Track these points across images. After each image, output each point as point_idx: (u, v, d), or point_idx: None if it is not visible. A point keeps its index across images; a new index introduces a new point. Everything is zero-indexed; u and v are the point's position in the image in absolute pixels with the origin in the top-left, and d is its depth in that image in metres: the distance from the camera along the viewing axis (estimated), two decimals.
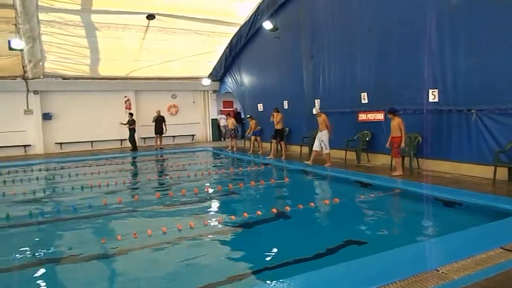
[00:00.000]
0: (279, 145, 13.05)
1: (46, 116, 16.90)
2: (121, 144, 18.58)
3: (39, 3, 11.61)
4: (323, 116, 10.16)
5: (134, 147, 16.71)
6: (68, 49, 14.73)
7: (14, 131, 16.20)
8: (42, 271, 4.24)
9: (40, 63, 15.20)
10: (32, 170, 12.08)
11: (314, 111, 10.38)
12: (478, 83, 7.80)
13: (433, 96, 8.63)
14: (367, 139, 10.44)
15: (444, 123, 8.49)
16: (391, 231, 5.33)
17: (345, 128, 11.29)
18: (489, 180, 7.30)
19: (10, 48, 12.67)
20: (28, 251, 4.73)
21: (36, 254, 4.65)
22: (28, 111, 16.51)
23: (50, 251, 4.70)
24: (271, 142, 12.88)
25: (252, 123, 14.31)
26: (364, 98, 10.69)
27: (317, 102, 10.13)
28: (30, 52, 13.94)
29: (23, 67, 15.12)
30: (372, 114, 10.42)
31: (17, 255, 4.52)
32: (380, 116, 10.17)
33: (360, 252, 4.27)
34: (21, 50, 13.40)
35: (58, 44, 14.28)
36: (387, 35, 9.84)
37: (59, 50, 14.70)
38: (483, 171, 7.70)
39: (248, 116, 15.37)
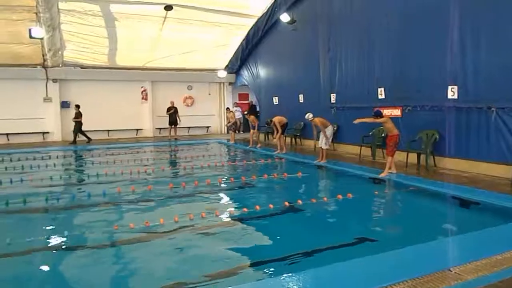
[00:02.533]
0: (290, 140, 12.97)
1: (64, 104, 17.17)
2: (136, 134, 18.79)
3: None
4: (316, 119, 10.02)
5: (74, 140, 15.91)
6: (87, 39, 14.88)
7: (33, 118, 16.52)
8: (57, 255, 4.33)
9: (60, 52, 15.42)
10: (49, 157, 12.31)
11: (307, 118, 10.18)
12: (499, 80, 7.58)
13: (452, 92, 8.43)
14: (382, 135, 10.28)
15: (462, 121, 8.29)
16: (404, 229, 5.24)
17: (360, 124, 11.12)
18: (508, 180, 7.11)
19: (31, 37, 12.91)
20: (43, 235, 4.82)
21: (51, 238, 4.74)
22: (47, 99, 16.81)
23: (64, 236, 4.78)
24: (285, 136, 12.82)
25: (251, 118, 14.52)
26: (381, 93, 10.53)
27: (309, 114, 10.03)
28: (50, 40, 14.15)
29: (43, 55, 15.37)
30: (388, 110, 10.24)
31: (32, 239, 4.60)
32: (397, 112, 10.00)
33: (372, 249, 4.22)
34: (41, 38, 13.63)
35: (77, 34, 14.45)
36: (406, 30, 9.63)
37: (78, 40, 14.87)
38: (502, 171, 7.50)
39: (245, 113, 15.57)
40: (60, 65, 16.53)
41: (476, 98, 7.99)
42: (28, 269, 4.04)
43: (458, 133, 8.36)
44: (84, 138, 16.11)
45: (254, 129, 14.31)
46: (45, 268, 4.07)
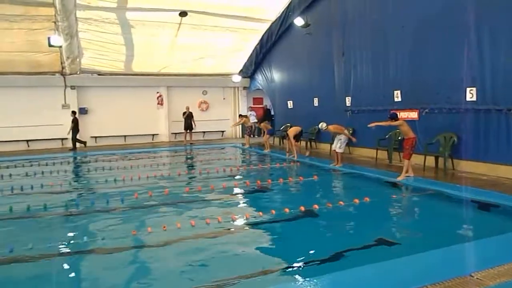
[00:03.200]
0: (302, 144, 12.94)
1: (82, 111, 17.49)
2: (152, 139, 18.99)
3: (77, 1, 12.00)
4: (330, 127, 9.92)
5: (74, 146, 16.11)
6: (103, 46, 15.15)
7: (52, 124, 16.86)
8: (76, 259, 4.41)
9: (77, 59, 15.73)
10: (68, 163, 12.54)
11: (321, 127, 10.10)
12: None
13: (470, 94, 8.29)
14: (399, 138, 10.16)
15: (481, 123, 8.14)
16: (423, 233, 5.16)
17: (377, 127, 11.00)
18: None
19: (50, 45, 13.22)
20: (64, 240, 4.91)
21: (71, 243, 4.83)
22: (65, 106, 17.14)
23: (83, 241, 4.86)
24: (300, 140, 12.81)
25: (262, 125, 14.94)
26: (397, 96, 10.42)
27: (323, 124, 9.99)
28: (68, 48, 14.45)
29: (61, 63, 15.70)
30: (405, 113, 10.13)
31: (53, 244, 4.69)
32: (413, 115, 9.89)
33: (391, 253, 4.18)
34: (60, 46, 13.93)
35: (95, 41, 14.72)
36: (422, 31, 9.52)
37: (96, 47, 15.15)
38: None
39: (256, 122, 16.10)
40: (78, 72, 16.85)
41: (495, 100, 7.84)
42: (49, 272, 4.12)
43: (477, 135, 8.21)
44: (80, 143, 16.31)
45: (269, 134, 14.39)
46: (65, 271, 4.13)
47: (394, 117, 8.03)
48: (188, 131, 17.94)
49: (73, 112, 16.24)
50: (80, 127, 17.24)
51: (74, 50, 14.81)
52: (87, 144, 16.70)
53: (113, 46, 15.39)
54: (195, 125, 17.98)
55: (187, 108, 18.04)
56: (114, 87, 18.01)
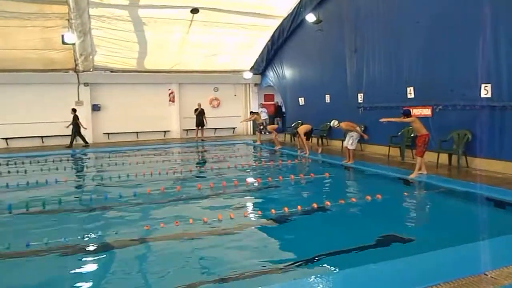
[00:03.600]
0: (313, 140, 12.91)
1: (95, 107, 17.69)
2: (164, 135, 19.13)
3: None
4: (342, 124, 9.93)
5: (85, 142, 16.12)
6: (116, 43, 15.27)
7: (66, 121, 17.05)
8: (90, 254, 4.48)
9: (90, 57, 15.89)
10: (81, 159, 12.71)
11: (333, 125, 10.22)
12: None
13: (485, 91, 8.17)
14: (412, 135, 10.06)
15: (496, 120, 8.02)
16: (437, 231, 5.12)
17: (389, 124, 10.92)
18: None
19: (63, 42, 13.37)
20: (78, 235, 4.99)
21: (85, 237, 4.90)
22: (79, 103, 17.34)
23: (98, 235, 4.94)
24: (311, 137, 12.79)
25: (269, 128, 15.37)
26: (410, 92, 10.32)
27: (335, 121, 10.02)
28: (81, 46, 14.61)
29: (74, 60, 15.87)
30: (418, 110, 10.03)
31: (69, 238, 4.78)
32: (427, 112, 9.78)
33: (405, 251, 4.16)
34: (73, 44, 14.08)
35: (107, 38, 14.84)
36: (436, 27, 9.40)
37: (108, 44, 15.28)
38: None
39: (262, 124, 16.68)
40: (91, 70, 17.02)
41: (511, 96, 7.71)
42: (66, 266, 4.20)
43: (492, 132, 8.10)
44: (81, 141, 16.13)
45: (277, 131, 14.51)
46: (80, 265, 4.21)
47: (407, 114, 7.96)
48: (200, 127, 18.03)
49: (73, 110, 16.06)
50: (92, 124, 17.49)
51: (87, 47, 14.96)
52: (129, 142, 16.77)
53: (126, 43, 15.50)
54: (206, 122, 18.07)
55: (199, 105, 18.12)
56: (127, 84, 18.17)
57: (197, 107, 18.01)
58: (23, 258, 4.35)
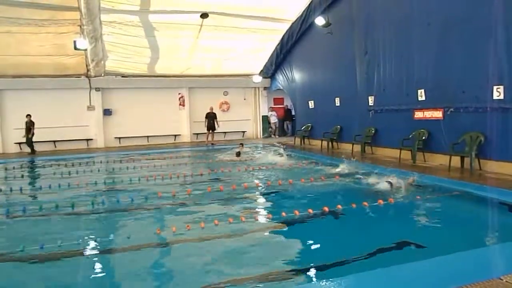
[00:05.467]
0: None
1: (107, 112, 17.91)
2: (175, 139, 19.26)
3: (102, 5, 12.29)
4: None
5: (32, 150, 15.62)
6: (127, 49, 15.46)
7: (78, 125, 17.34)
8: (102, 257, 4.52)
9: (102, 62, 16.10)
10: (94, 163, 12.84)
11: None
12: None
13: (498, 93, 8.07)
14: (423, 138, 9.99)
15: (510, 122, 7.91)
16: (450, 235, 5.06)
17: (400, 126, 10.89)
18: None
19: (76, 48, 13.59)
20: (91, 238, 5.05)
21: (97, 240, 4.95)
22: (90, 107, 17.59)
23: (110, 239, 4.98)
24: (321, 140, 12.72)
25: None
26: (421, 95, 10.24)
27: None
28: (93, 51, 14.81)
29: (86, 65, 16.11)
30: (429, 112, 9.96)
31: (80, 241, 4.83)
32: (438, 114, 9.70)
33: (417, 255, 4.12)
34: (85, 49, 14.30)
35: (119, 44, 15.03)
36: (447, 28, 9.33)
37: (119, 49, 15.47)
38: None
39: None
40: (103, 75, 17.26)
41: None
42: (78, 269, 4.25)
43: (505, 135, 7.99)
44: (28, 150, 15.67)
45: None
46: (92, 268, 4.25)
47: None
48: (210, 131, 18.18)
49: (28, 115, 15.55)
50: (103, 128, 17.68)
51: (99, 53, 15.16)
52: (140, 146, 17.00)
53: (137, 49, 15.69)
54: (218, 126, 18.23)
55: (211, 108, 18.34)
56: (137, 89, 18.38)
57: (209, 111, 18.19)
58: (34, 261, 4.40)
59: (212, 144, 17.63)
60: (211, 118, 18.13)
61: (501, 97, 8.02)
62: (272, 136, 21.38)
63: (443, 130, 9.50)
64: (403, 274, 3.39)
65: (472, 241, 4.53)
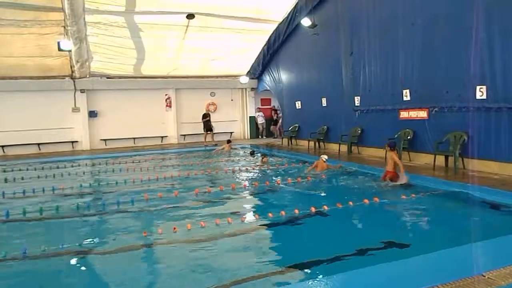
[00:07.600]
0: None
1: (92, 114, 17.68)
2: (161, 141, 19.11)
3: (86, 6, 12.13)
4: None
5: None
6: (112, 50, 15.28)
7: (63, 128, 17.08)
8: (87, 260, 4.46)
9: (87, 63, 15.89)
10: (79, 165, 12.67)
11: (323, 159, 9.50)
12: None
13: (480, 93, 8.22)
14: (408, 137, 10.12)
15: (492, 122, 8.07)
16: (434, 233, 5.14)
17: (385, 126, 11.01)
18: None
19: (60, 49, 13.40)
20: (75, 241, 4.97)
21: (83, 243, 4.88)
22: (75, 109, 17.33)
23: (95, 242, 4.92)
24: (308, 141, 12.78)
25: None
26: (406, 95, 10.36)
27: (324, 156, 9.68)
28: (77, 52, 14.61)
29: (71, 67, 15.88)
30: (414, 112, 10.09)
31: (66, 245, 4.75)
32: (423, 114, 9.83)
33: (402, 254, 4.16)
34: (69, 51, 14.10)
35: (104, 45, 14.86)
36: (431, 29, 9.46)
37: (104, 51, 15.29)
38: None
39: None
40: (87, 76, 17.03)
41: (506, 97, 7.76)
42: (62, 273, 4.19)
43: (488, 134, 8.14)
44: None
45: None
46: (76, 272, 4.20)
47: (392, 147, 8.03)
48: (208, 132, 18.23)
49: None
50: (89, 130, 17.48)
51: (84, 54, 14.97)
52: (126, 148, 16.76)
53: (122, 50, 15.52)
54: (213, 126, 18.30)
55: (207, 110, 18.54)
56: (123, 90, 18.18)
57: (205, 112, 18.37)
58: (19, 264, 4.32)
59: (206, 145, 17.43)
60: (207, 119, 18.30)
61: (484, 96, 8.16)
62: (259, 137, 21.39)
63: (428, 130, 9.63)
64: (386, 272, 3.42)
65: (455, 238, 4.60)
